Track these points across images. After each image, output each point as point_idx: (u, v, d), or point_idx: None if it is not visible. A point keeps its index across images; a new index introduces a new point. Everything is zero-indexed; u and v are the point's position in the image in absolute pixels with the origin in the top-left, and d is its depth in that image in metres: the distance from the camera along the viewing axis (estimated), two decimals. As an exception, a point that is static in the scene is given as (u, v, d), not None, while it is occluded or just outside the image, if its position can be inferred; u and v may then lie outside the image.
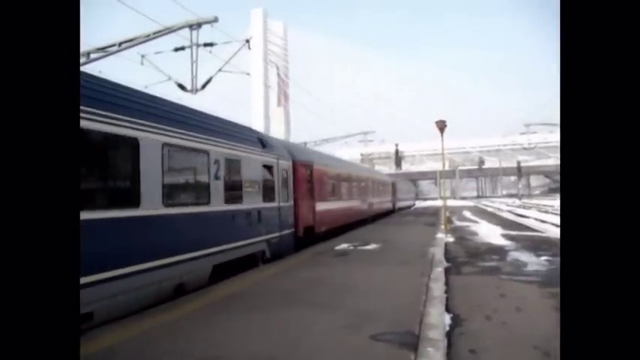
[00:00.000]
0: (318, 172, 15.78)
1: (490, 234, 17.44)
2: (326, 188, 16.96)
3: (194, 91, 15.75)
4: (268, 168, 11.32)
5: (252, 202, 10.15)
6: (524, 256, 11.24)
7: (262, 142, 11.38)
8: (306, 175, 14.44)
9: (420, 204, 61.68)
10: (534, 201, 59.44)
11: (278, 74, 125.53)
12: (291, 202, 12.96)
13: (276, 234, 11.54)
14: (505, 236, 16.42)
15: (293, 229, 12.99)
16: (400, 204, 41.19)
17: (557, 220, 21.25)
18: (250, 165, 10.24)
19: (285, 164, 12.66)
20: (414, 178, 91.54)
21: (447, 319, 5.86)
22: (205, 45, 15.75)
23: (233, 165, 9.47)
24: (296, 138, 69.63)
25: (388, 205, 34.37)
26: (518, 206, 44.81)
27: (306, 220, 14.16)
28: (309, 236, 14.27)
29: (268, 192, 11.17)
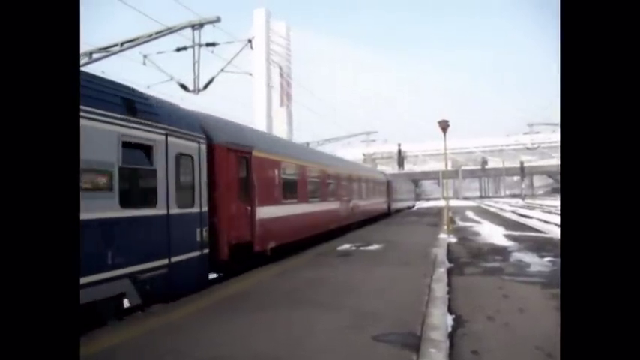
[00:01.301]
0: (262, 163, 11.34)
1: (493, 234, 17.38)
2: (275, 186, 12.32)
3: (196, 91, 15.77)
4: (144, 149, 7.14)
5: (90, 209, 5.72)
6: (527, 257, 11.19)
7: (130, 103, 6.91)
8: (236, 165, 9.92)
9: (422, 204, 61.48)
10: (537, 201, 59.26)
11: (281, 74, 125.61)
12: (203, 207, 8.50)
13: (159, 262, 7.12)
14: (508, 237, 16.35)
15: (205, 250, 8.44)
16: (397, 205, 37.68)
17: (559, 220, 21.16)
18: (89, 141, 5.70)
19: (189, 146, 8.24)
20: (416, 179, 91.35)
21: (450, 319, 5.85)
22: (207, 45, 15.76)
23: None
24: (299, 138, 69.72)
25: (381, 207, 30.41)
26: (522, 207, 44.69)
27: (237, 233, 9.69)
28: (245, 256, 10.02)
29: (140, 191, 7.20)
